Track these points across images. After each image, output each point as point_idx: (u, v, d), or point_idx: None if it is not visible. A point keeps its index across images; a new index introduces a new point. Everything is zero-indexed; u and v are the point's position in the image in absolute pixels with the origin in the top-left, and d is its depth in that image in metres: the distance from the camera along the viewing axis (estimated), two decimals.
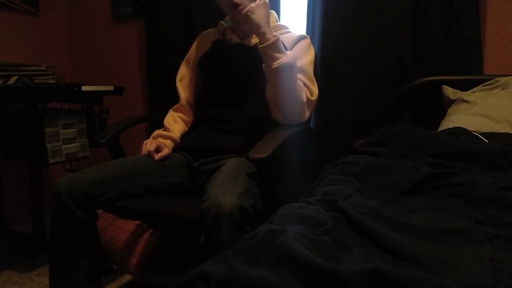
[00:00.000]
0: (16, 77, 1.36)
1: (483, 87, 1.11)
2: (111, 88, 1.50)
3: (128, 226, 1.47)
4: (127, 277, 1.43)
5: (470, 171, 0.75)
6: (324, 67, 1.38)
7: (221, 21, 1.23)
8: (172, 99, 1.30)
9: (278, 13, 1.44)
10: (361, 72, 1.35)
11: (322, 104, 1.38)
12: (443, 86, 1.22)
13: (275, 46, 0.98)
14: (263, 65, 1.01)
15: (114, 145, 1.18)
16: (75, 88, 1.39)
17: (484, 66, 1.24)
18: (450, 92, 1.19)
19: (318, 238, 0.50)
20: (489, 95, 1.06)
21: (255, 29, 0.99)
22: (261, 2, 1.00)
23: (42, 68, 1.47)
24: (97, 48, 2.01)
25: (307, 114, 1.07)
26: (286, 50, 1.04)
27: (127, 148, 1.25)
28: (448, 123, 1.04)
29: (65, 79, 1.79)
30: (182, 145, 1.16)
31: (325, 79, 1.36)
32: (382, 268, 0.40)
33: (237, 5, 1.06)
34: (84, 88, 1.39)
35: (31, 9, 1.86)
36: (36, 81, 1.44)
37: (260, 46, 0.99)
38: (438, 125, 1.09)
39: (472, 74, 1.20)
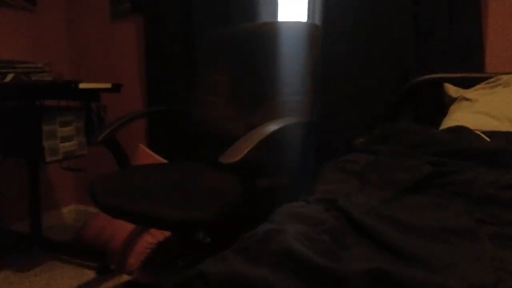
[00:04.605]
0: (12, 75, 1.35)
1: (485, 85, 1.11)
2: (108, 85, 1.49)
3: (126, 226, 1.47)
4: (125, 277, 1.42)
5: (471, 169, 0.75)
6: (324, 64, 1.37)
7: None
8: (171, 97, 1.29)
9: (276, 9, 1.44)
10: (361, 69, 1.35)
11: (322, 102, 1.37)
12: (444, 84, 1.22)
13: None
14: None
15: (111, 144, 1.17)
16: (72, 86, 1.38)
17: (485, 64, 1.24)
18: (451, 90, 1.18)
19: (318, 237, 0.50)
20: (491, 93, 1.06)
21: None
22: None
23: (39, 65, 1.46)
24: (95, 44, 1.99)
25: None
26: None
27: (127, 147, 1.24)
28: (449, 121, 1.03)
29: (63, 76, 1.77)
30: None
31: (325, 77, 1.35)
32: (383, 268, 0.40)
33: None
34: (81, 85, 1.38)
35: (28, 5, 1.84)
36: (33, 78, 1.43)
37: None
38: (439, 123, 1.09)
39: (473, 72, 1.20)
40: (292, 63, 1.26)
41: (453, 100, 1.16)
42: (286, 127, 1.00)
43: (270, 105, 1.29)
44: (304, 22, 1.30)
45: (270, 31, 1.32)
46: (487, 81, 1.12)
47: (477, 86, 1.13)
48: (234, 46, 1.39)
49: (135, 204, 0.88)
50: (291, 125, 1.04)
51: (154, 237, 1.45)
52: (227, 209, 0.87)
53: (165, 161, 1.57)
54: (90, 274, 1.46)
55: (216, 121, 1.40)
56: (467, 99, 1.09)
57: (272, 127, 0.95)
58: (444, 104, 1.20)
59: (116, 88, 1.52)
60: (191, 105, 1.52)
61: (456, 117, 1.03)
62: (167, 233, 1.46)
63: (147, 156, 1.59)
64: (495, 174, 0.72)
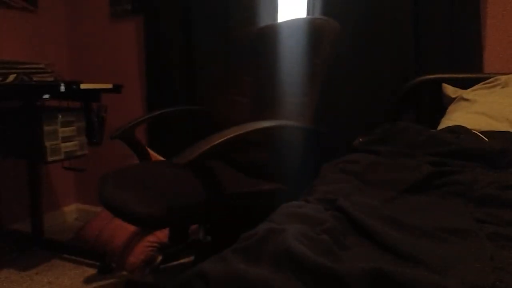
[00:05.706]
0: (14, 75, 1.35)
1: (483, 85, 1.11)
2: (109, 86, 1.50)
3: (126, 225, 1.47)
4: (126, 276, 1.43)
5: (471, 170, 0.75)
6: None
7: None
8: (171, 97, 1.28)
9: (276, 10, 1.43)
10: (361, 70, 1.35)
11: (322, 102, 1.37)
12: (443, 84, 1.22)
13: None
14: None
15: (131, 140, 1.18)
16: (74, 86, 1.38)
17: (484, 64, 1.24)
18: (450, 90, 1.18)
19: (318, 237, 0.50)
20: (489, 94, 1.06)
21: None
22: None
23: (40, 65, 1.47)
24: (95, 45, 2.00)
25: None
26: None
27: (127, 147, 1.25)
28: (448, 122, 1.03)
29: (63, 77, 1.78)
30: None
31: (325, 77, 1.35)
32: (383, 268, 0.40)
33: None
34: (83, 86, 1.39)
35: (28, 6, 1.85)
36: (34, 79, 1.43)
37: None
38: (439, 123, 1.09)
39: (472, 72, 1.20)
40: (304, 63, 1.23)
41: (451, 100, 1.16)
42: (270, 128, 0.91)
43: (283, 106, 1.27)
44: (320, 18, 1.26)
45: (287, 29, 1.29)
46: (485, 81, 1.13)
47: (476, 87, 1.13)
48: (251, 46, 1.37)
49: (112, 197, 0.92)
50: (279, 126, 0.96)
51: (155, 236, 1.45)
52: (186, 209, 0.85)
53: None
54: (91, 272, 1.46)
55: (229, 121, 1.38)
56: (465, 100, 1.09)
57: (247, 127, 0.86)
58: (443, 104, 1.20)
59: (117, 88, 1.52)
60: (198, 105, 1.52)
61: (454, 117, 1.03)
62: (168, 233, 1.47)
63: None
64: (495, 174, 0.72)
